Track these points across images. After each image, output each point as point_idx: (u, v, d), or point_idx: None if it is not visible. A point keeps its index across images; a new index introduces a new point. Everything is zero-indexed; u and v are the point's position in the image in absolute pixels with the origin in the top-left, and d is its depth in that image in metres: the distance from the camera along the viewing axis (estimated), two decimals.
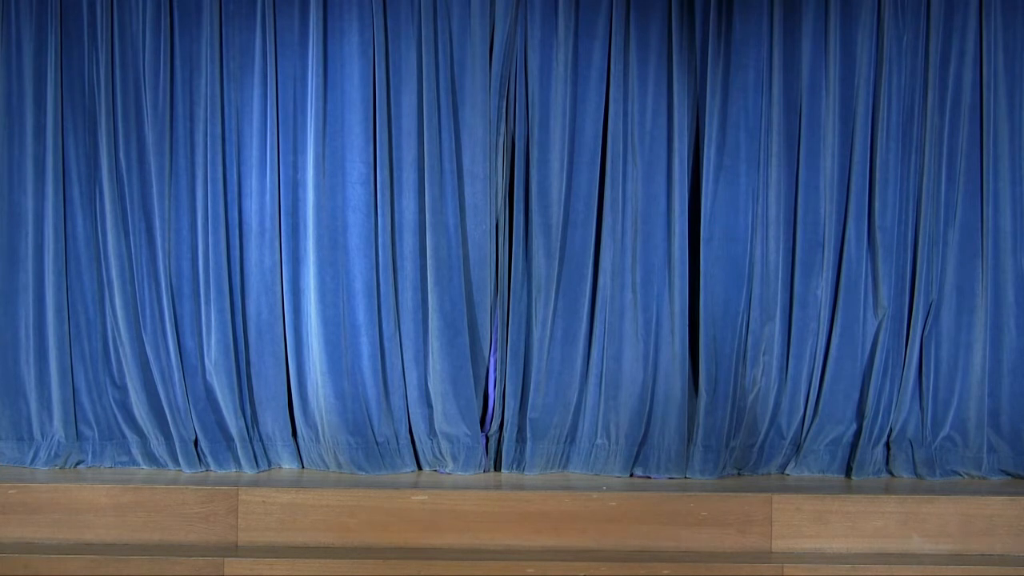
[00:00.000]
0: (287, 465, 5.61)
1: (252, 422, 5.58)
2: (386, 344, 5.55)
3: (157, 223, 5.53)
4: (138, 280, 5.53)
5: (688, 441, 5.51)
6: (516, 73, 5.59)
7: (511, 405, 5.55)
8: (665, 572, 4.84)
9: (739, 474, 5.58)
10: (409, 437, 5.58)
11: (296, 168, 5.57)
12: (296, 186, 5.57)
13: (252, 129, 5.55)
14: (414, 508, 5.05)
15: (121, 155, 5.54)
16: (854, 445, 5.56)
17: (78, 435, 5.57)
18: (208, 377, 5.55)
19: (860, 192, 5.54)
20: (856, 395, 5.57)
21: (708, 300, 5.51)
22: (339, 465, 5.52)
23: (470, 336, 5.54)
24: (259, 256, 5.55)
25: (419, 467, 5.59)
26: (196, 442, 5.53)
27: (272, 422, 5.57)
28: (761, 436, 5.56)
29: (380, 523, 5.03)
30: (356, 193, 5.53)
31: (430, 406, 5.55)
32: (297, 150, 5.57)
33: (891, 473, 5.56)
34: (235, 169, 5.57)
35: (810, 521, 5.03)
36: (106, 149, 5.52)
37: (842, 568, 4.87)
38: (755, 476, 5.57)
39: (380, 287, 5.53)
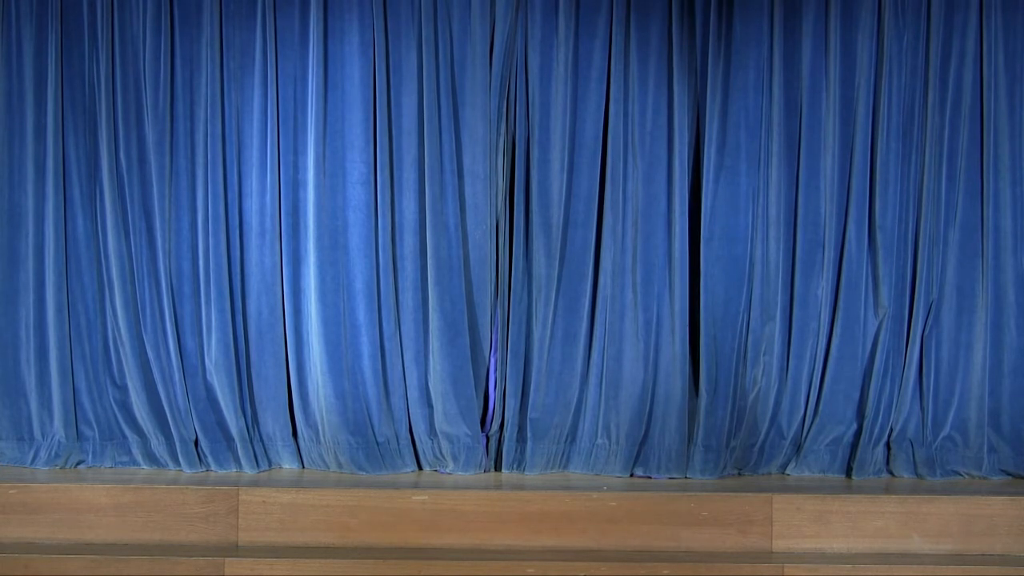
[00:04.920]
0: (287, 465, 5.61)
1: (252, 422, 5.58)
2: (386, 344, 5.55)
3: (157, 223, 5.53)
4: (138, 280, 5.53)
5: (688, 441, 5.51)
6: (516, 73, 5.59)
7: (511, 405, 5.55)
8: (665, 572, 4.84)
9: (739, 474, 5.58)
10: (409, 437, 5.58)
11: (296, 168, 5.57)
12: (296, 186, 5.57)
13: (252, 129, 5.55)
14: (414, 508, 5.05)
15: (121, 155, 5.54)
16: (854, 445, 5.56)
17: (78, 435, 5.57)
18: (208, 377, 5.55)
19: (860, 192, 5.54)
20: (856, 395, 5.57)
21: (708, 300, 5.51)
22: (339, 465, 5.52)
23: (470, 336, 5.54)
24: (259, 256, 5.55)
25: (419, 467, 5.59)
26: (196, 442, 5.53)
27: (272, 422, 5.57)
28: (761, 436, 5.56)
29: (380, 523, 5.03)
30: (356, 193, 5.53)
31: (430, 406, 5.55)
32: (297, 150, 5.57)
33: (891, 473, 5.56)
34: (235, 169, 5.57)
35: (810, 521, 5.03)
36: (106, 149, 5.52)
37: (842, 568, 4.87)
38: (755, 476, 5.57)
39: (380, 287, 5.53)
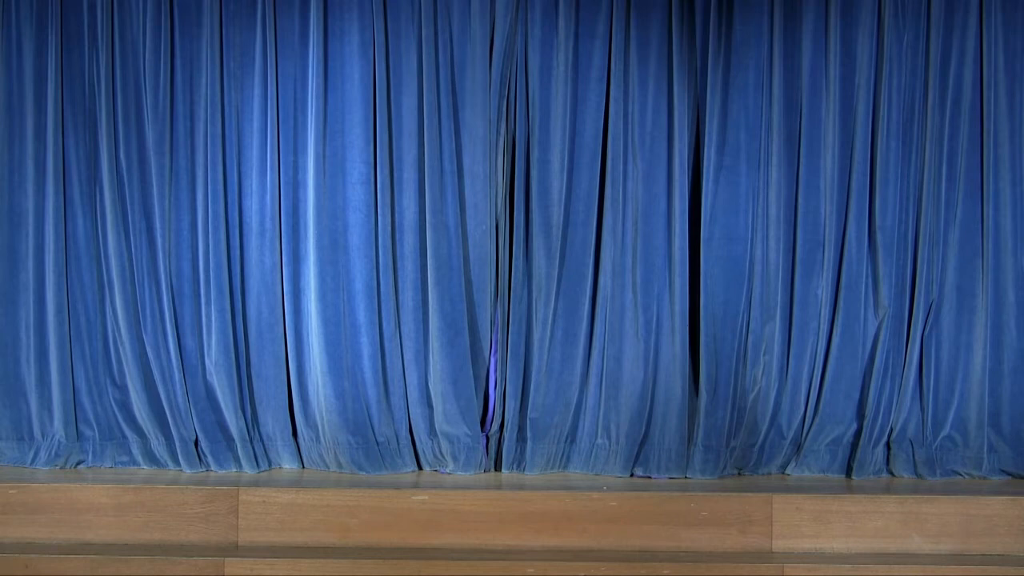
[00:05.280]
0: (287, 465, 5.61)
1: (252, 422, 5.58)
2: (386, 344, 5.55)
3: (157, 223, 5.53)
4: (138, 280, 5.53)
5: (688, 441, 5.51)
6: (516, 73, 5.59)
7: (511, 405, 5.55)
8: (665, 572, 4.84)
9: (739, 474, 5.58)
10: (409, 437, 5.58)
11: (296, 168, 5.57)
12: (296, 186, 5.57)
13: (252, 129, 5.55)
14: (414, 508, 5.05)
15: (121, 155, 5.54)
16: (854, 445, 5.56)
17: (78, 435, 5.57)
18: (208, 377, 5.55)
19: (860, 192, 5.54)
20: (856, 395, 5.57)
21: (708, 300, 5.51)
22: (339, 465, 5.52)
23: (470, 336, 5.54)
24: (259, 256, 5.55)
25: (419, 467, 5.59)
26: (196, 442, 5.53)
27: (272, 422, 5.57)
28: (761, 436, 5.56)
29: (380, 523, 5.03)
30: (356, 193, 5.53)
31: (430, 406, 5.55)
32: (297, 150, 5.57)
33: (891, 473, 5.56)
34: (235, 169, 5.57)
35: (810, 521, 5.03)
36: (106, 149, 5.52)
37: (842, 568, 4.87)
38: (755, 476, 5.57)
39: (380, 287, 5.53)
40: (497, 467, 5.59)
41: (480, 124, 5.53)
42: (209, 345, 5.53)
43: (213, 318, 5.51)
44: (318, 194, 5.50)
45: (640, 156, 5.55)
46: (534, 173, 5.57)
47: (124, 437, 5.58)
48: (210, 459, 5.51)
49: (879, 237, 5.53)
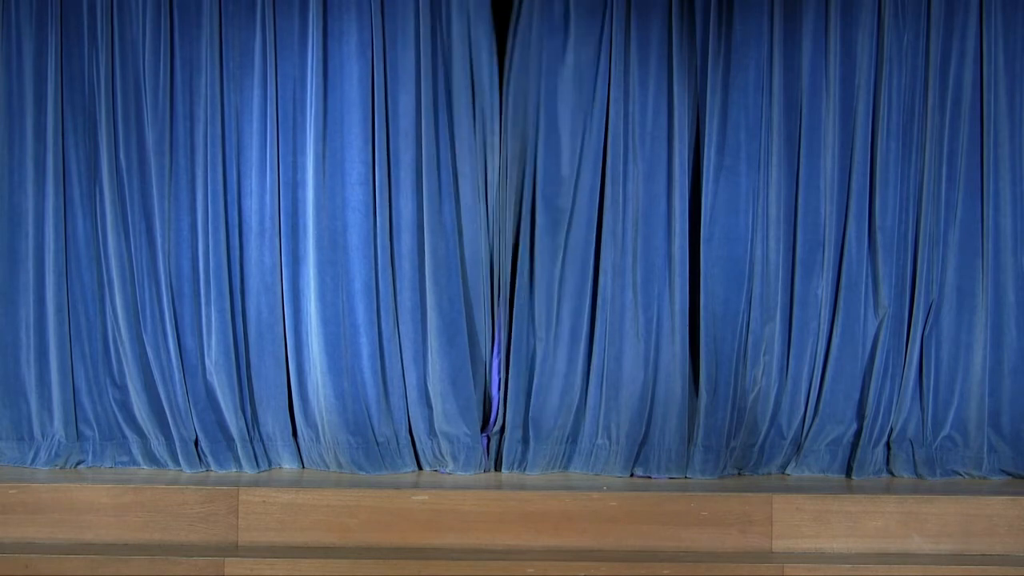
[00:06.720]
0: (288, 465, 5.61)
1: (252, 422, 5.58)
2: (385, 344, 5.55)
3: (157, 223, 5.53)
4: (138, 280, 5.53)
5: (688, 441, 5.51)
6: (516, 74, 5.58)
7: (514, 406, 5.55)
8: (665, 572, 4.84)
9: (739, 474, 5.58)
10: (409, 437, 5.58)
11: (296, 168, 5.57)
12: (296, 186, 5.57)
13: (252, 129, 5.55)
14: (414, 508, 5.05)
15: (121, 155, 5.54)
16: (854, 445, 5.56)
17: (78, 435, 5.57)
18: (208, 377, 5.55)
19: (860, 192, 5.54)
20: (856, 395, 5.57)
21: (708, 300, 5.51)
22: (339, 465, 5.52)
23: (469, 336, 5.54)
24: (259, 256, 5.55)
25: (419, 467, 5.59)
26: (196, 442, 5.53)
27: (272, 422, 5.57)
28: (761, 436, 5.56)
29: (380, 523, 5.03)
30: (355, 193, 5.53)
31: (430, 406, 5.55)
32: (297, 150, 5.57)
33: (891, 473, 5.56)
34: (235, 169, 5.57)
35: (810, 521, 5.03)
36: (106, 149, 5.52)
37: (842, 568, 4.87)
38: (755, 476, 5.57)
39: (379, 287, 5.53)
40: (497, 467, 5.59)
41: (479, 125, 5.53)
42: (209, 345, 5.53)
43: (213, 318, 5.51)
44: (317, 194, 5.50)
45: (640, 156, 5.55)
46: (535, 174, 5.56)
47: (124, 437, 5.58)
48: (210, 459, 5.51)
49: (879, 237, 5.53)
